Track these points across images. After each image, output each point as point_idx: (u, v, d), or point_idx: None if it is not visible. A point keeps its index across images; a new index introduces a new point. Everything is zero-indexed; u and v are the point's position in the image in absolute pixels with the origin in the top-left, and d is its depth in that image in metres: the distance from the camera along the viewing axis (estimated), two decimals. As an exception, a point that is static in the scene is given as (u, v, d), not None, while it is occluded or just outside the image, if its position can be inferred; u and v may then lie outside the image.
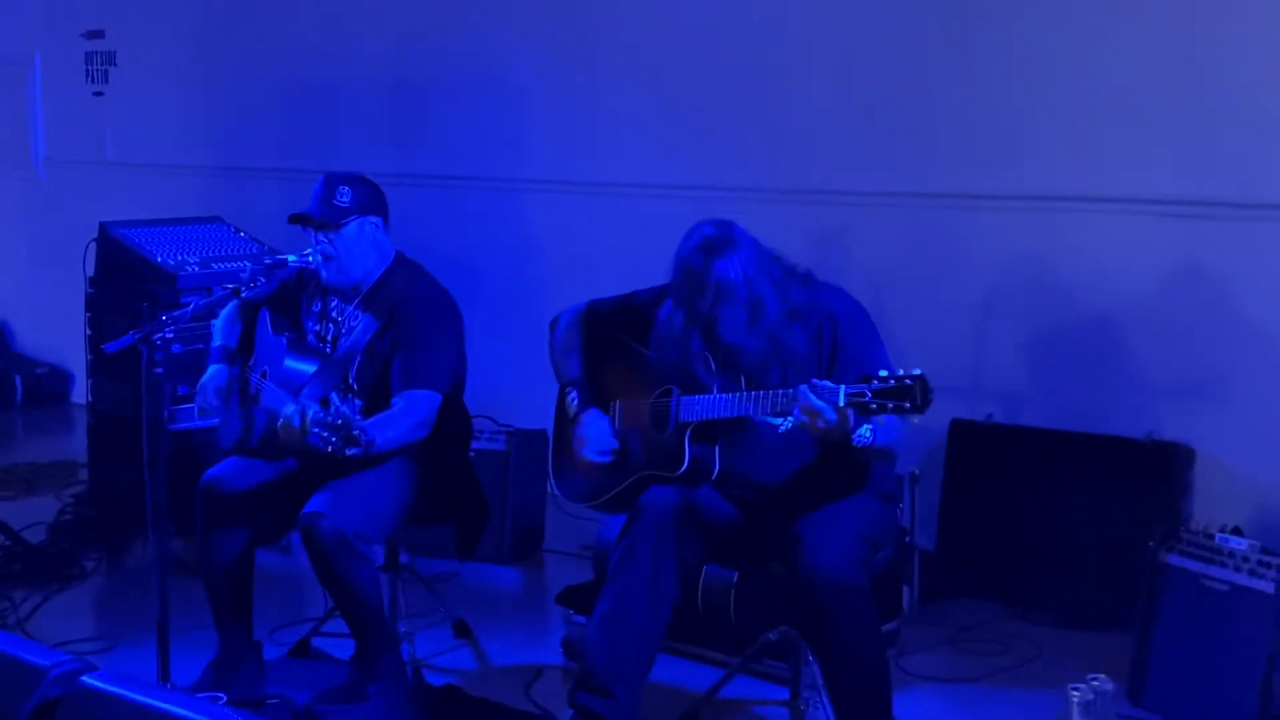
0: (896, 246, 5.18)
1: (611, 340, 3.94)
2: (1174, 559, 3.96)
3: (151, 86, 7.39)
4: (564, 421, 3.97)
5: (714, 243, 3.56)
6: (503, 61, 6.12)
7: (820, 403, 3.23)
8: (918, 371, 3.16)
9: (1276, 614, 3.69)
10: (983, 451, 4.94)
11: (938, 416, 4.98)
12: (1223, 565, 3.85)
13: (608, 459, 3.76)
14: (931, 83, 5.09)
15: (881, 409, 3.18)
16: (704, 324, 3.54)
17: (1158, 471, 4.62)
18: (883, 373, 3.19)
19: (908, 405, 3.16)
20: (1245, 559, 3.80)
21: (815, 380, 3.29)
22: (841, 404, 3.21)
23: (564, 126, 6.00)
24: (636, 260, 5.49)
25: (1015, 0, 4.91)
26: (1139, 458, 4.65)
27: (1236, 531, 3.95)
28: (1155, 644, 3.96)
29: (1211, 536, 3.92)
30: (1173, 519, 4.45)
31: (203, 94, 7.19)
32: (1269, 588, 3.71)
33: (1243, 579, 3.79)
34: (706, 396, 3.57)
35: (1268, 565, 3.75)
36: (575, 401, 3.84)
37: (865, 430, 3.34)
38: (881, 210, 5.21)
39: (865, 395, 3.19)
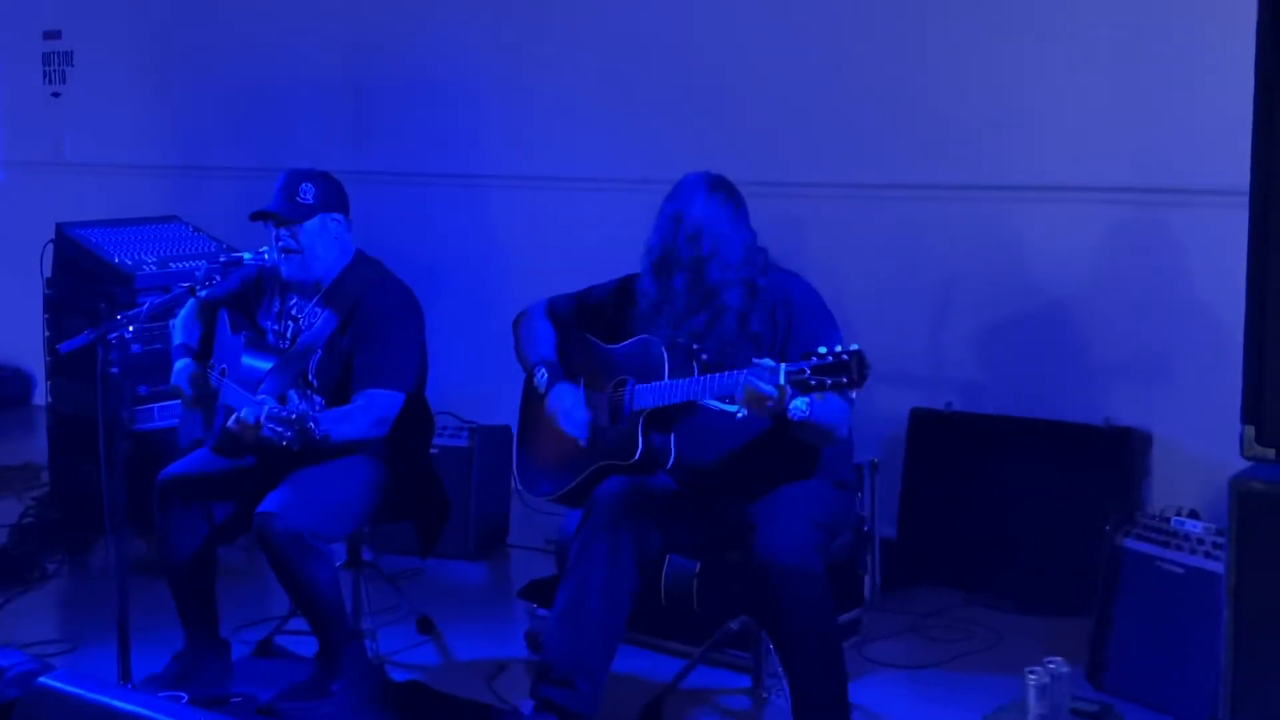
0: (854, 238, 5.20)
1: (570, 335, 3.95)
2: (1131, 543, 3.99)
3: (109, 87, 7.36)
4: (528, 413, 3.98)
5: (726, 185, 3.75)
6: (459, 57, 6.12)
7: (762, 385, 3.26)
8: (855, 347, 3.21)
9: (1232, 595, 3.72)
10: (942, 439, 4.97)
11: (897, 405, 5.04)
12: (1179, 548, 3.89)
13: (584, 432, 3.76)
14: (885, 75, 5.11)
15: (820, 385, 3.21)
16: (694, 258, 3.62)
17: (1115, 456, 4.66)
18: (821, 349, 3.23)
19: (845, 380, 3.19)
20: (1201, 541, 3.84)
21: (755, 360, 3.33)
22: (781, 381, 3.25)
23: (521, 122, 6.00)
24: (596, 254, 5.50)
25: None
26: (1097, 443, 4.68)
27: (1194, 515, 3.99)
28: (1113, 627, 4.00)
29: (1167, 520, 3.96)
30: (1131, 503, 4.49)
31: (160, 93, 7.15)
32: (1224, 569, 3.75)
33: (1199, 561, 3.82)
34: (658, 384, 3.60)
35: (1223, 547, 3.77)
36: (545, 379, 3.85)
37: (801, 403, 3.35)
38: (838, 202, 5.24)
39: (804, 372, 3.22)
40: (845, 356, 3.17)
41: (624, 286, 3.91)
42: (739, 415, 3.41)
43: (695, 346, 3.62)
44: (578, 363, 3.89)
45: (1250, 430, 2.18)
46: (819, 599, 3.45)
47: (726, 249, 3.66)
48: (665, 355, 3.62)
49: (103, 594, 4.83)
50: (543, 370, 3.86)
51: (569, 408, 3.76)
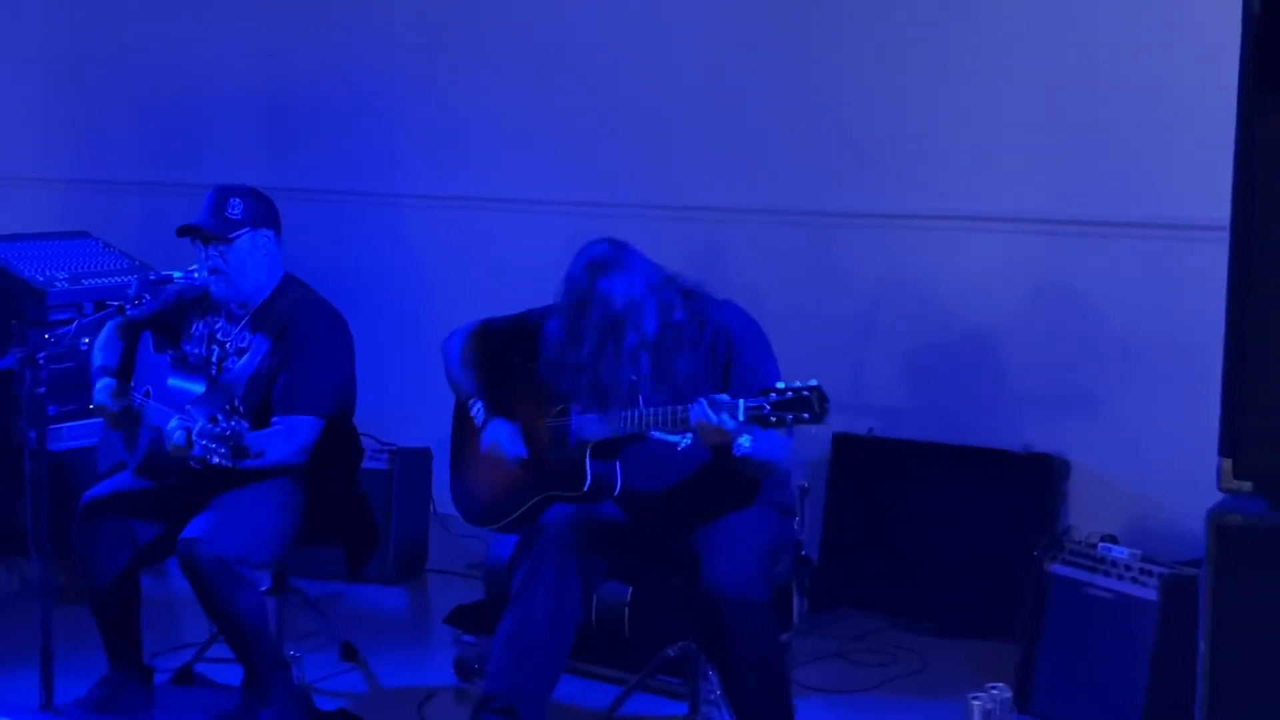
0: (779, 263, 5.24)
1: (505, 360, 3.91)
2: (1058, 568, 4.05)
3: (7, 95, 7.14)
4: (463, 441, 3.93)
5: (602, 262, 3.61)
6: (377, 72, 6.05)
7: (719, 418, 3.26)
8: (814, 382, 3.24)
9: (1159, 620, 3.80)
10: (865, 464, 5.02)
11: (820, 430, 5.06)
12: (1106, 574, 3.95)
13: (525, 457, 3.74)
14: (812, 102, 5.15)
15: (781, 421, 3.24)
16: (585, 343, 3.57)
17: (1034, 482, 4.73)
18: (780, 385, 3.24)
19: (806, 416, 3.23)
20: (1128, 567, 3.91)
21: (714, 396, 3.33)
22: (741, 418, 3.26)
23: (441, 140, 5.95)
24: (516, 276, 5.48)
25: (896, 23, 4.99)
26: (1016, 469, 4.76)
27: (1112, 539, 4.07)
28: (1041, 652, 4.04)
29: (1094, 546, 4.03)
30: (1050, 528, 4.56)
31: (62, 104, 6.94)
32: (1152, 595, 3.83)
33: (1126, 587, 3.89)
34: (606, 413, 3.57)
35: (1149, 573, 3.87)
36: (481, 414, 3.81)
37: (745, 440, 3.37)
38: (764, 227, 5.26)
39: (764, 408, 3.24)
40: (805, 393, 3.20)
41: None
42: (681, 445, 3.41)
43: (634, 377, 3.60)
44: (515, 388, 3.86)
45: (1228, 463, 2.23)
46: (764, 628, 3.46)
47: (636, 314, 3.58)
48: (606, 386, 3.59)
49: (5, 619, 4.69)
50: (478, 404, 3.82)
51: (505, 445, 3.73)
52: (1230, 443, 2.25)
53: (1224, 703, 2.32)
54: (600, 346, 3.56)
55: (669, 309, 3.62)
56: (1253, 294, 2.14)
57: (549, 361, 3.68)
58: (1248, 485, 2.28)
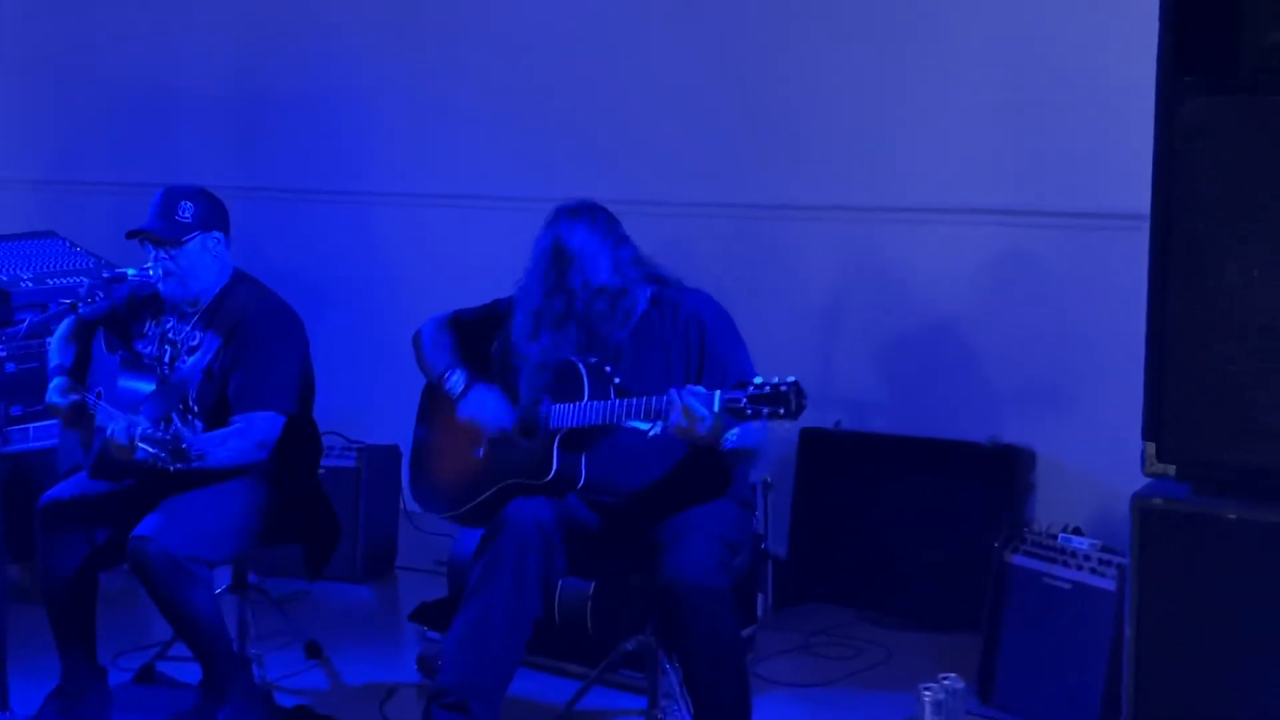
0: (744, 257, 5.23)
1: (476, 351, 3.91)
2: (1018, 559, 4.05)
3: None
4: (426, 427, 3.92)
5: (569, 209, 3.74)
6: (346, 72, 6.04)
7: (694, 409, 3.26)
8: (792, 379, 3.24)
9: (1118, 610, 3.78)
10: (832, 458, 5.01)
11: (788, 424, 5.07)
12: (1065, 564, 3.95)
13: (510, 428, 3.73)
14: (774, 96, 5.15)
15: (756, 415, 3.24)
16: (578, 300, 3.63)
17: (1001, 474, 4.73)
18: (758, 379, 3.25)
19: (782, 411, 3.22)
20: (1087, 558, 3.91)
21: (690, 386, 3.33)
22: (717, 410, 3.26)
23: (410, 138, 5.95)
24: (482, 272, 5.45)
25: (855, 18, 4.99)
26: (983, 461, 4.75)
27: (1077, 531, 4.06)
28: (1002, 643, 4.05)
29: (1054, 537, 4.02)
30: (1016, 520, 4.55)
31: (27, 101, 6.92)
32: (1110, 585, 3.82)
33: (1085, 577, 3.89)
34: (577, 404, 3.56)
35: (1108, 563, 3.86)
36: (461, 382, 3.78)
37: (733, 433, 3.41)
38: (728, 221, 5.27)
39: (740, 401, 3.25)
40: (784, 388, 3.20)
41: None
42: (650, 433, 3.41)
43: (608, 369, 3.59)
44: (486, 376, 3.84)
45: (1151, 447, 2.22)
46: (724, 617, 3.45)
47: (591, 262, 3.65)
48: (585, 375, 3.58)
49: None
50: (457, 373, 3.79)
51: (493, 407, 3.70)
52: (1153, 427, 2.24)
53: (1149, 682, 2.32)
54: (551, 282, 3.64)
55: (630, 281, 3.67)
56: (1172, 278, 2.13)
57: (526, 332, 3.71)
58: (1171, 469, 2.27)
